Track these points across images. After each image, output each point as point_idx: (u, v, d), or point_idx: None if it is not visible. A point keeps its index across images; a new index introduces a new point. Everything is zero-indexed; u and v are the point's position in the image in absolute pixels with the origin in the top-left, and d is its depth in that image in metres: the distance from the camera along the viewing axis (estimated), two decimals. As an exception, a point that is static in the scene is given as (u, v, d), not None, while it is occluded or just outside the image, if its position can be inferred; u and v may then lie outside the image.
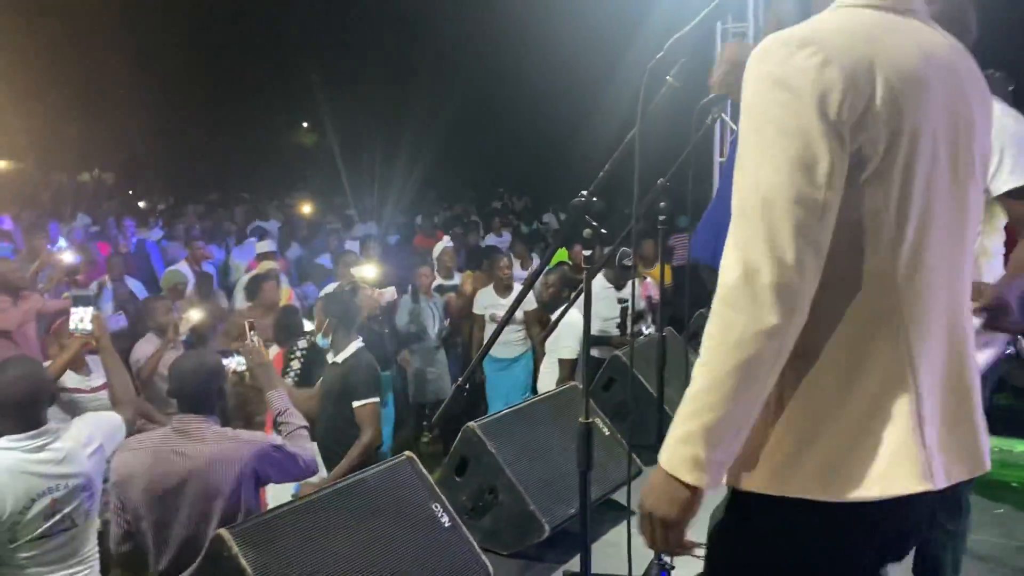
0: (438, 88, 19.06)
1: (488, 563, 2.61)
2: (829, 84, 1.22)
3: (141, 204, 16.13)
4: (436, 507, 2.64)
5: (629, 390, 4.07)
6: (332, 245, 9.09)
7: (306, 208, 13.11)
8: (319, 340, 4.24)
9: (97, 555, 2.97)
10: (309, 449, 2.88)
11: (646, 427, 3.84)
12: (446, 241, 7.70)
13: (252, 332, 3.34)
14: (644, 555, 2.53)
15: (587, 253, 1.72)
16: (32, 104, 18.40)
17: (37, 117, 18.97)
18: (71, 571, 2.84)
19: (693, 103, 2.21)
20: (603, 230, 1.63)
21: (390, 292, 5.85)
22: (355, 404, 3.86)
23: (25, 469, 2.69)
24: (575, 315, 5.08)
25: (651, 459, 2.89)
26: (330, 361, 4.13)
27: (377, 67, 20.72)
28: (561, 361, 5.04)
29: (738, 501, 1.36)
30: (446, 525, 2.61)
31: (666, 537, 1.32)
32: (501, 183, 18.44)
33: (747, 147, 1.28)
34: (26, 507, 2.69)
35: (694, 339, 5.62)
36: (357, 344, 4.10)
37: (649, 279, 6.21)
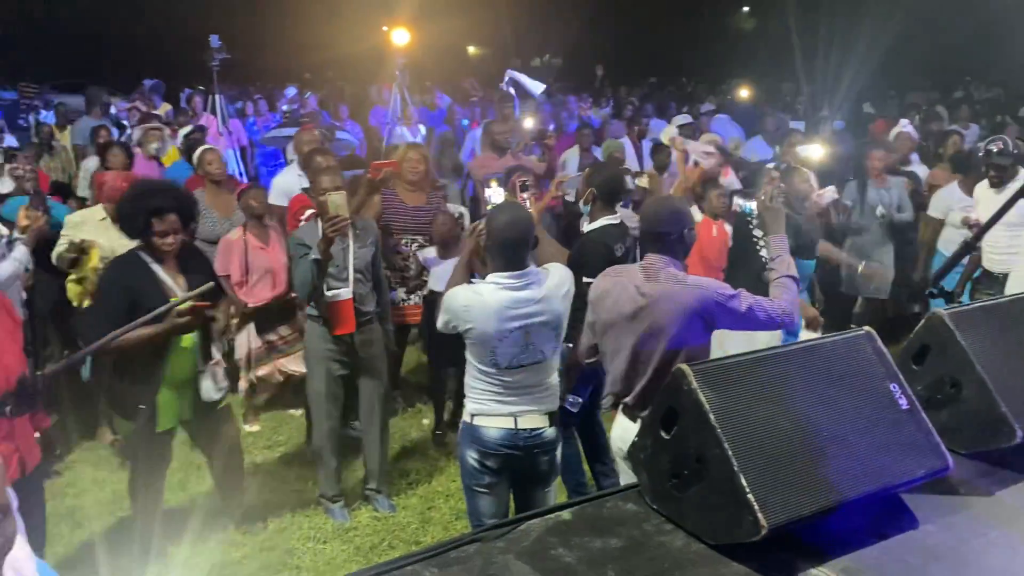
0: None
1: (949, 456, 2.43)
2: None
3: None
4: (894, 387, 2.50)
5: None
6: (768, 127, 8.88)
7: (743, 93, 12.85)
8: (581, 207, 4.27)
9: (558, 390, 3.37)
10: (786, 300, 2.89)
11: None
12: (903, 125, 7.03)
13: None
14: None
15: None
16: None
17: (504, 7, 20.90)
18: (538, 404, 3.26)
19: None
20: None
21: (830, 192, 5.54)
22: (584, 280, 3.58)
23: (510, 302, 3.11)
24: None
25: None
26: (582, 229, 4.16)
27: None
28: None
29: None
30: (903, 407, 2.47)
31: None
32: (968, 71, 16.06)
33: None
34: (507, 335, 3.12)
35: None
36: (605, 220, 4.02)
37: None
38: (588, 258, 3.85)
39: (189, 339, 3.83)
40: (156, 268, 3.76)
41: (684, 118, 8.43)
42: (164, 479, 4.09)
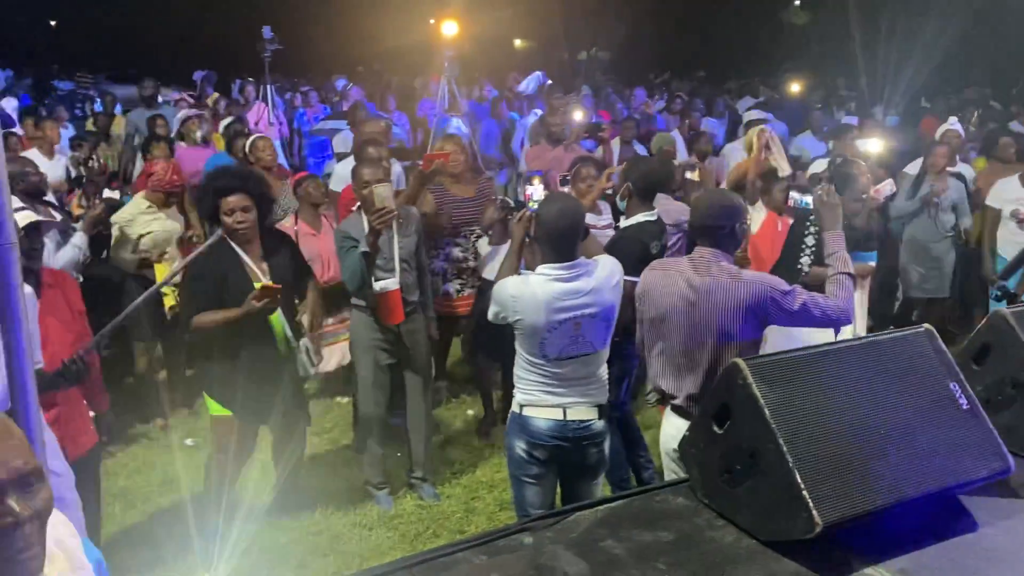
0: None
1: (1011, 458, 2.37)
2: None
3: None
4: (954, 386, 2.44)
5: None
6: (815, 122, 8.72)
7: (795, 87, 12.64)
8: (618, 202, 4.21)
9: (607, 381, 3.35)
10: (842, 298, 2.84)
11: None
12: (951, 123, 6.86)
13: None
14: None
15: None
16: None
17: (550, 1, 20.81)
18: (587, 396, 3.25)
19: None
20: None
21: (888, 186, 5.43)
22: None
23: (559, 293, 3.09)
24: None
25: None
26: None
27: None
28: None
29: None
30: (963, 406, 2.41)
31: None
32: (1026, 66, 15.55)
33: None
34: (557, 326, 3.11)
35: None
36: (642, 217, 3.95)
37: None
38: (622, 255, 3.58)
39: (276, 320, 3.91)
40: (241, 253, 3.90)
41: (757, 113, 8.34)
42: (241, 468, 4.16)
